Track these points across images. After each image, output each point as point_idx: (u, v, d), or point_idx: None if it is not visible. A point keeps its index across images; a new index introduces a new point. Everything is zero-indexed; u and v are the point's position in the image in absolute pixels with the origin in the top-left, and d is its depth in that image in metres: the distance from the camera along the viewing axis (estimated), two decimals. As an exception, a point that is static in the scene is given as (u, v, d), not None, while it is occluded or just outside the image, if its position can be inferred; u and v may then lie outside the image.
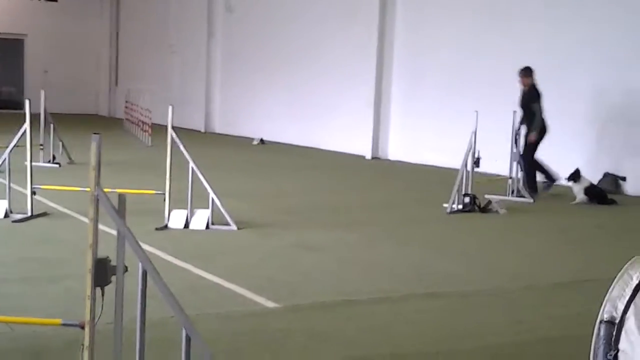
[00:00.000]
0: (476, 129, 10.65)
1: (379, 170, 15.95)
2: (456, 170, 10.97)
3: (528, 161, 12.43)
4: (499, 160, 12.78)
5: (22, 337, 4.85)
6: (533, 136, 12.34)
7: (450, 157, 14.67)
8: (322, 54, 19.83)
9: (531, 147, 12.43)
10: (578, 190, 11.73)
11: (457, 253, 8.11)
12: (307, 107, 20.43)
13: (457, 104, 15.94)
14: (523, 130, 12.36)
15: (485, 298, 6.30)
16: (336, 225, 9.34)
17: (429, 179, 14.13)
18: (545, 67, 14.40)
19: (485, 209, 10.59)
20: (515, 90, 14.76)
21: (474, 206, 10.53)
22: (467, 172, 10.58)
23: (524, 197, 11.80)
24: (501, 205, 10.67)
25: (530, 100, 12.41)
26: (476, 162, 10.72)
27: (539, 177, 12.62)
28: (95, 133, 3.14)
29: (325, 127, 19.67)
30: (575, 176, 11.74)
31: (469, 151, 10.59)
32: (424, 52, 17.08)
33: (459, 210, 10.47)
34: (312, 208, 10.66)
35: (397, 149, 17.75)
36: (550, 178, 12.68)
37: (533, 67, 14.58)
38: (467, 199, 10.52)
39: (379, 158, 17.85)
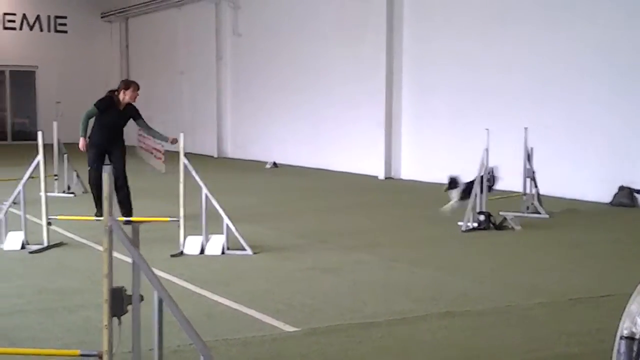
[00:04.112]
0: (488, 146, 10.64)
1: (392, 190, 15.93)
2: (470, 188, 10.94)
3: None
4: (511, 176, 12.75)
5: (41, 368, 4.86)
6: (176, 138, 10.77)
7: (463, 174, 14.61)
8: (331, 74, 19.89)
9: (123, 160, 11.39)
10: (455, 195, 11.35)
11: (472, 271, 8.08)
12: (318, 129, 20.48)
13: (468, 120, 15.94)
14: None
15: (501, 315, 6.28)
16: (352, 247, 9.33)
17: (443, 197, 14.07)
18: (556, 79, 14.42)
19: (500, 226, 10.57)
20: (528, 104, 14.80)
21: (489, 224, 10.51)
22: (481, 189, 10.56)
23: (539, 213, 11.75)
24: (516, 222, 10.63)
25: (137, 115, 11.44)
26: (489, 180, 10.69)
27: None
28: (106, 164, 3.17)
29: (337, 149, 19.71)
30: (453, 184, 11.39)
31: (482, 169, 10.58)
32: (433, 70, 17.09)
33: (474, 228, 10.45)
34: (327, 230, 10.66)
35: (410, 168, 17.74)
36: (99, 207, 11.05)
37: (544, 79, 14.60)
38: (481, 217, 10.50)
39: (392, 178, 17.84)
